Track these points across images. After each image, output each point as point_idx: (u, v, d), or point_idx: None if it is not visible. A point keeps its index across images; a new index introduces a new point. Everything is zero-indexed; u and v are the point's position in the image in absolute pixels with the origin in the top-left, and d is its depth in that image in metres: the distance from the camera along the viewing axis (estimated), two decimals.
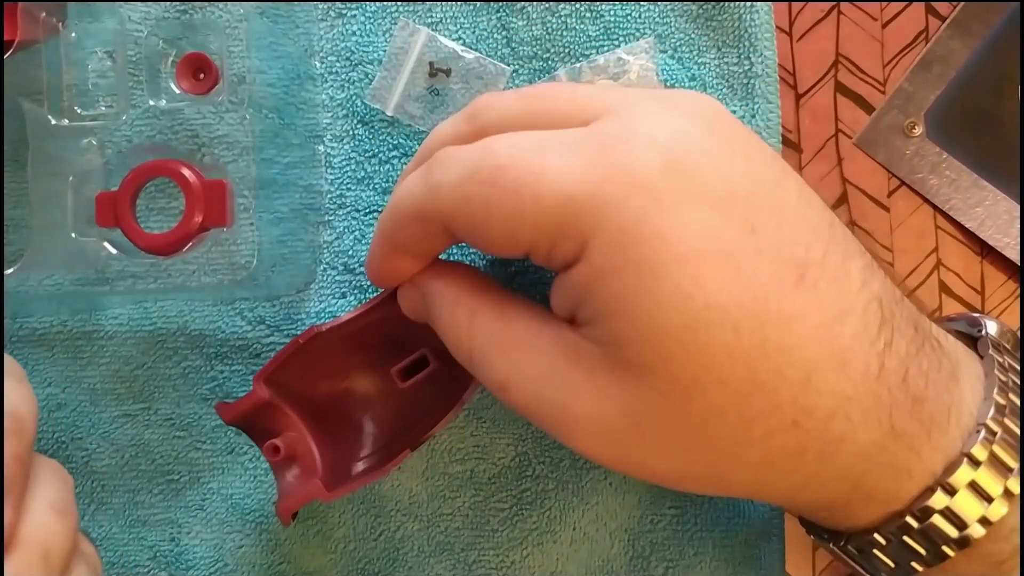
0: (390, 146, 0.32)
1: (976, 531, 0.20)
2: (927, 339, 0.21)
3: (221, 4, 0.30)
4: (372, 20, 0.32)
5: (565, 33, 0.32)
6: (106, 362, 0.32)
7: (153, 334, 0.32)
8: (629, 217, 0.19)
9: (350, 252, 0.32)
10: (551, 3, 0.32)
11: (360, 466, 0.29)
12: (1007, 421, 0.20)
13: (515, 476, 0.32)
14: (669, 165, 0.19)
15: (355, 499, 0.32)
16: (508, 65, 0.32)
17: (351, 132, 0.32)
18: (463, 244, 0.30)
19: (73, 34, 0.29)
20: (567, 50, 0.32)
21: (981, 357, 0.23)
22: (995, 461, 0.20)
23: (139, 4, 0.30)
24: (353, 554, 0.32)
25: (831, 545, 0.23)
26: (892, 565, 0.21)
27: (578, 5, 0.32)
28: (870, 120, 0.33)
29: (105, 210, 0.27)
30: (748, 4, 0.32)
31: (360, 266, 0.32)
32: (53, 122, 0.28)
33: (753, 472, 0.20)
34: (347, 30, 0.32)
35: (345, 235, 0.32)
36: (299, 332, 0.31)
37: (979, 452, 0.20)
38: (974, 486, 0.20)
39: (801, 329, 0.19)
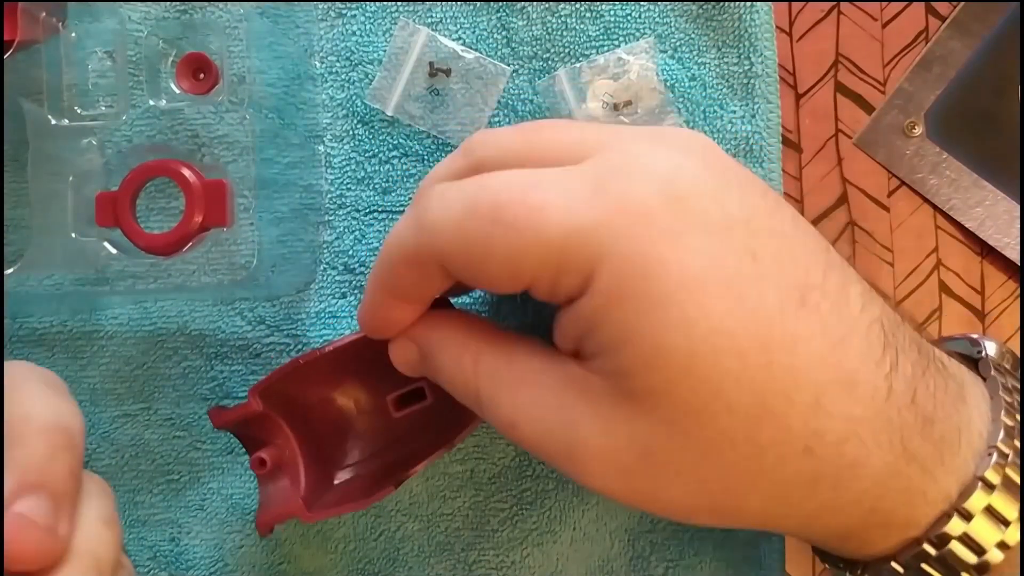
0: (390, 146, 0.32)
1: (994, 556, 0.20)
2: (931, 361, 0.21)
3: (221, 4, 0.30)
4: (372, 20, 0.32)
5: (565, 33, 0.32)
6: (106, 362, 0.32)
7: (153, 334, 0.32)
8: (632, 247, 0.19)
9: (350, 252, 0.32)
10: (551, 3, 0.32)
11: (344, 475, 0.30)
12: (1017, 443, 0.20)
13: (515, 476, 0.32)
14: (668, 196, 0.19)
15: None
16: (508, 65, 0.32)
17: (351, 132, 0.32)
18: None
19: (73, 34, 0.29)
20: (567, 50, 0.32)
21: (984, 379, 0.23)
22: (1009, 484, 0.20)
23: (139, 4, 0.30)
24: (353, 554, 0.32)
25: (847, 575, 0.23)
26: None
27: (578, 5, 0.32)
28: (870, 120, 0.33)
29: (105, 210, 0.27)
30: (748, 4, 0.32)
31: (361, 266, 0.32)
32: (53, 122, 0.28)
33: (767, 501, 0.20)
34: (347, 30, 0.32)
35: (345, 235, 0.32)
36: (299, 332, 0.31)
37: (992, 476, 0.20)
38: (990, 511, 0.20)
39: (807, 352, 0.19)
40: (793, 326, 0.19)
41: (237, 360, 0.32)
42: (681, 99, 0.32)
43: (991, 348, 0.24)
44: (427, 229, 0.21)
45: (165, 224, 0.28)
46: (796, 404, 0.19)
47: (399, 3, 0.32)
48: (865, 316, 0.20)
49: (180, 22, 0.30)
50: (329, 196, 0.32)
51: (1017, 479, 0.20)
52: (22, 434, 0.20)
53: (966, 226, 0.33)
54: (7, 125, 0.28)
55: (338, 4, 0.32)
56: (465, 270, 0.21)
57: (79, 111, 0.28)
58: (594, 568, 0.32)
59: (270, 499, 0.28)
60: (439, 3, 0.32)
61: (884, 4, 0.33)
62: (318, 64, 0.32)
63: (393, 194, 0.32)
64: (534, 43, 0.32)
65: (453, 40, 0.32)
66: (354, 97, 0.32)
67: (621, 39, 0.32)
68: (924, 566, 0.20)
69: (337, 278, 0.32)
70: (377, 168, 0.32)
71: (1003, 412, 0.21)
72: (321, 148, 0.32)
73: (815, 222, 0.33)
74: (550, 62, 0.32)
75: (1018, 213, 0.33)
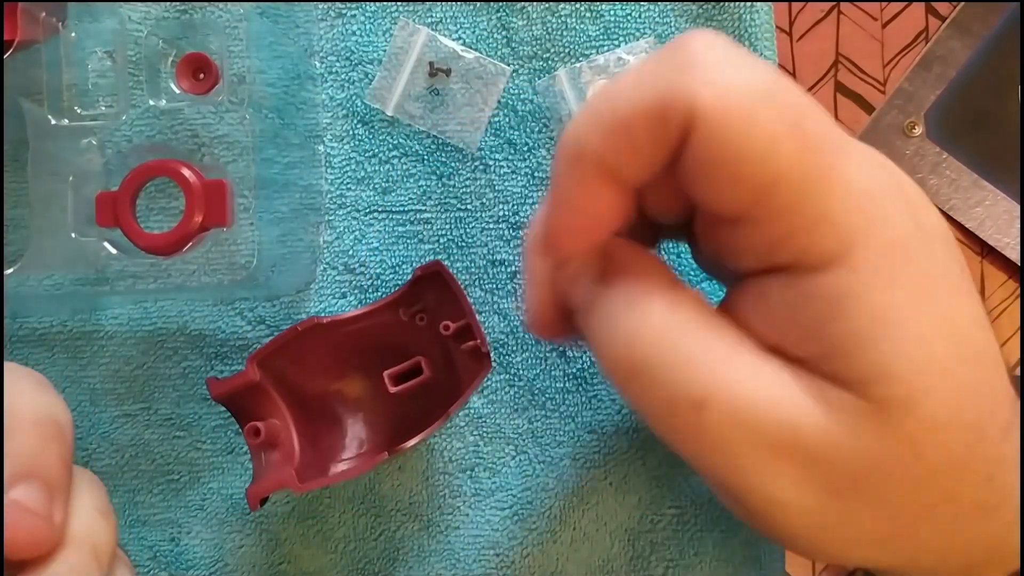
0: (390, 146, 0.32)
1: None
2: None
3: (221, 4, 0.30)
4: (372, 20, 0.32)
5: (565, 33, 0.32)
6: (106, 362, 0.32)
7: (153, 334, 0.32)
8: (897, 236, 0.18)
9: (350, 252, 0.32)
10: (551, 3, 0.32)
11: (339, 467, 0.30)
12: None
13: (515, 476, 0.32)
14: (910, 200, 0.19)
15: (355, 499, 0.32)
16: (508, 65, 0.32)
17: (351, 132, 0.32)
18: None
19: (73, 34, 0.29)
20: (567, 50, 0.32)
21: None
22: None
23: (139, 4, 0.30)
24: (353, 554, 0.32)
25: None
26: None
27: (578, 5, 0.32)
28: (870, 120, 0.33)
29: (105, 210, 0.27)
30: (748, 4, 0.32)
31: (361, 266, 0.32)
32: (53, 122, 0.28)
33: (940, 530, 0.18)
34: (347, 30, 0.32)
35: (345, 235, 0.32)
36: None
37: None
38: None
39: (997, 368, 0.18)
40: (987, 338, 0.18)
41: (237, 360, 0.32)
42: None
43: None
44: (695, 76, 0.17)
45: (165, 224, 0.28)
46: (994, 426, 0.18)
47: (399, 3, 0.32)
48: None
49: (180, 22, 0.30)
50: (329, 196, 0.32)
51: None
52: (12, 426, 0.20)
53: (966, 226, 0.33)
54: (7, 125, 0.28)
55: (338, 4, 0.32)
56: (721, 140, 0.17)
57: (79, 111, 0.28)
58: (594, 568, 0.32)
59: (261, 472, 0.28)
60: (439, 3, 0.32)
61: (884, 4, 0.33)
62: (318, 64, 0.32)
63: (393, 194, 0.32)
64: (534, 43, 0.32)
65: (453, 40, 0.32)
66: (354, 97, 0.32)
67: (621, 39, 0.32)
68: None
69: (337, 278, 0.32)
70: (377, 168, 0.32)
71: None
72: (321, 148, 0.32)
73: None
74: (550, 62, 0.32)
75: (1018, 213, 0.33)
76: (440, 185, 0.32)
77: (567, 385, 0.32)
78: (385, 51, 0.32)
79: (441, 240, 0.32)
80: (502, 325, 0.32)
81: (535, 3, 0.32)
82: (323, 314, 0.32)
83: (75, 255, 0.28)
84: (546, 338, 0.22)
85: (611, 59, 0.31)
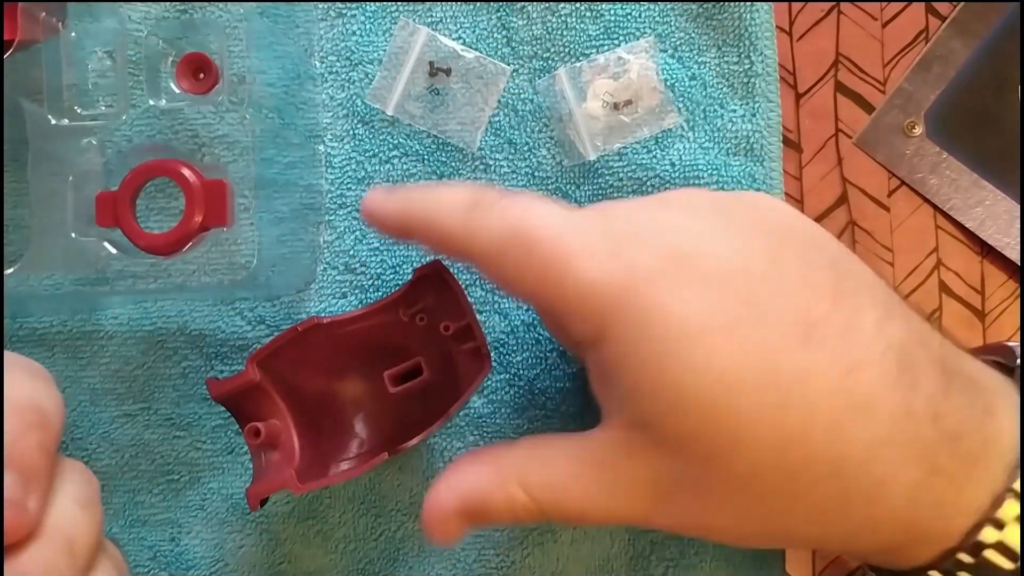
0: (390, 145, 0.32)
1: None
2: (955, 377, 0.22)
3: (221, 4, 0.30)
4: (372, 20, 0.32)
5: (565, 32, 0.32)
6: (106, 362, 0.32)
7: (153, 334, 0.32)
8: (640, 301, 0.20)
9: (351, 252, 0.32)
10: (551, 2, 0.32)
11: (340, 468, 0.29)
12: None
13: None
14: (672, 256, 0.21)
15: (355, 499, 0.32)
16: (508, 64, 0.32)
17: (351, 132, 0.32)
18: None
19: (73, 34, 0.28)
20: (567, 49, 0.32)
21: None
22: None
23: (139, 4, 0.30)
24: (353, 554, 0.32)
25: None
26: None
27: (578, 4, 0.32)
28: (870, 120, 0.33)
29: (105, 210, 0.27)
30: (748, 3, 0.32)
31: (361, 266, 0.32)
32: (53, 122, 0.28)
33: (806, 524, 0.21)
34: (347, 30, 0.32)
35: (346, 235, 0.32)
36: None
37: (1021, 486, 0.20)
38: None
39: (818, 383, 0.20)
40: (800, 361, 0.20)
41: (237, 360, 0.32)
42: (681, 98, 0.32)
43: None
44: (472, 228, 0.22)
45: (165, 224, 0.28)
46: (815, 432, 0.20)
47: (399, 3, 0.32)
48: (880, 341, 0.21)
49: (180, 22, 0.30)
50: (329, 196, 0.32)
51: None
52: None
53: (966, 226, 0.33)
54: (7, 125, 0.28)
55: (338, 4, 0.32)
56: (493, 274, 0.23)
57: (79, 111, 0.28)
58: (594, 568, 0.32)
59: (262, 473, 0.27)
60: (439, 3, 0.32)
61: (884, 4, 0.33)
62: (318, 64, 0.32)
63: None
64: (534, 42, 0.32)
65: (453, 39, 0.32)
66: (354, 97, 0.32)
67: (621, 38, 0.32)
68: (961, 574, 0.21)
69: (337, 278, 0.32)
70: (377, 168, 0.32)
71: None
72: (321, 148, 0.32)
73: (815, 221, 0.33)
74: (550, 61, 0.32)
75: (1018, 213, 0.33)
76: None
77: (567, 385, 0.32)
78: (385, 51, 0.32)
79: None
80: (502, 325, 0.32)
81: (535, 3, 0.32)
82: (323, 314, 0.32)
83: (75, 255, 0.28)
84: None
85: (611, 58, 0.31)
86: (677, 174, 0.32)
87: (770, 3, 0.32)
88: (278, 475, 0.27)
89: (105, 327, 0.32)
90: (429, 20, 0.32)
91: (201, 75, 0.29)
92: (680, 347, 0.20)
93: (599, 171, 0.32)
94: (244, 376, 0.27)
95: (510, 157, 0.32)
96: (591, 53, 0.32)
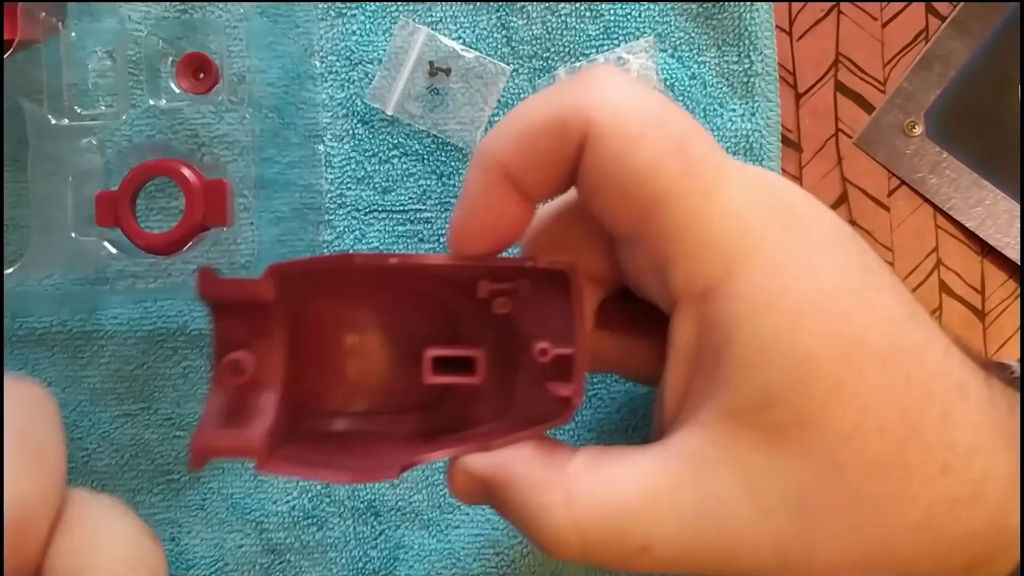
0: (390, 145, 0.32)
1: None
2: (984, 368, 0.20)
3: (221, 4, 0.30)
4: (372, 19, 0.32)
5: (565, 32, 0.32)
6: (106, 362, 0.32)
7: (153, 334, 0.32)
8: (778, 254, 0.18)
9: (350, 251, 0.32)
10: (551, 2, 0.32)
11: (326, 424, 0.23)
12: None
13: None
14: (785, 210, 0.19)
15: (355, 499, 0.32)
16: (508, 64, 0.32)
17: (351, 131, 0.32)
18: None
19: (73, 34, 0.29)
20: (567, 49, 0.32)
21: None
22: None
23: (139, 4, 0.30)
24: (353, 553, 0.32)
25: None
26: None
27: (578, 4, 0.32)
28: (870, 119, 0.33)
29: (105, 209, 0.27)
30: (748, 3, 0.32)
31: None
32: (53, 122, 0.28)
33: (915, 535, 0.18)
34: (347, 29, 0.32)
35: (345, 234, 0.32)
36: None
37: None
38: None
39: (931, 359, 0.18)
40: (916, 334, 0.18)
41: None
42: (681, 98, 0.32)
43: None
44: (589, 95, 0.18)
45: (165, 224, 0.28)
46: (930, 417, 0.18)
47: (399, 2, 0.32)
48: (947, 332, 0.20)
49: (180, 22, 0.30)
50: (329, 195, 0.32)
51: None
52: None
53: (966, 226, 0.33)
54: (7, 125, 0.28)
55: (338, 3, 0.32)
56: (605, 162, 0.18)
57: (79, 111, 0.28)
58: (594, 567, 0.32)
59: (221, 422, 0.20)
60: (439, 2, 0.32)
61: (884, 4, 0.33)
62: (318, 63, 0.32)
63: (393, 193, 0.32)
64: (534, 42, 0.32)
65: (453, 39, 0.32)
66: (354, 96, 0.32)
67: (621, 38, 0.32)
68: None
69: None
70: (377, 167, 0.32)
71: None
72: (321, 147, 0.32)
73: None
74: (550, 61, 0.32)
75: (1018, 212, 0.33)
76: (440, 184, 0.32)
77: (610, 403, 0.32)
78: (385, 50, 0.32)
79: (441, 240, 0.32)
80: None
81: (535, 2, 0.32)
82: None
83: (75, 255, 0.28)
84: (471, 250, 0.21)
85: (611, 58, 0.31)
86: None
87: (770, 3, 0.32)
88: (241, 436, 0.19)
89: (105, 327, 0.32)
90: (429, 20, 0.32)
91: (201, 75, 0.29)
92: (819, 308, 0.17)
93: None
94: (255, 287, 0.19)
95: None
96: (591, 53, 0.32)
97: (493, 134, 0.20)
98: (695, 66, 0.32)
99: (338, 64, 0.32)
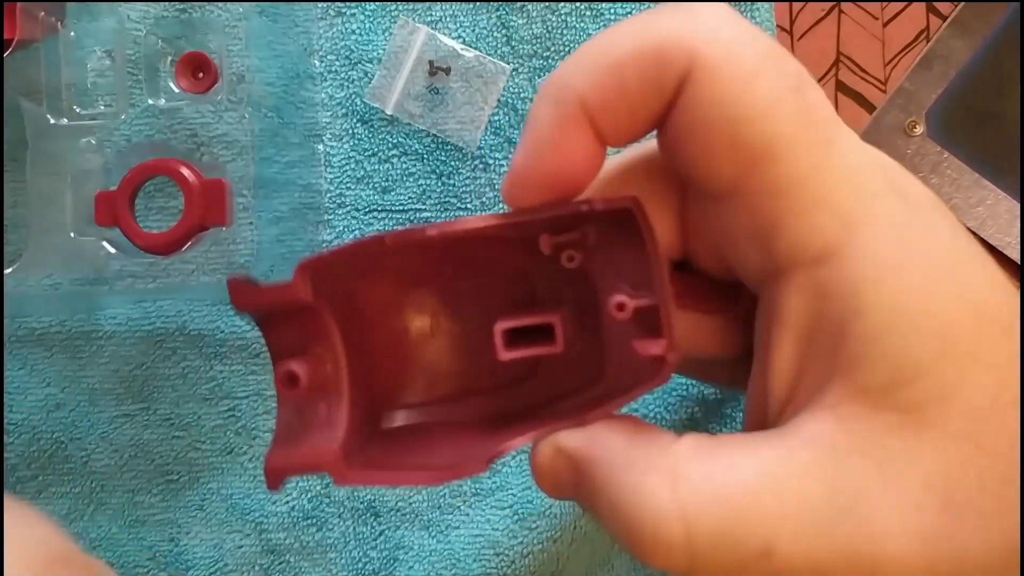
0: (390, 145, 0.32)
1: None
2: None
3: (220, 3, 0.30)
4: (371, 19, 0.32)
5: (565, 31, 0.32)
6: (105, 362, 0.32)
7: (152, 334, 0.32)
8: (897, 214, 0.16)
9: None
10: (551, 1, 0.32)
11: (394, 418, 0.21)
12: None
13: (515, 476, 0.32)
14: (894, 171, 0.17)
15: (355, 499, 0.32)
16: (508, 63, 0.32)
17: (350, 131, 0.32)
18: None
19: (72, 33, 0.28)
20: (567, 48, 0.32)
21: None
22: None
23: (138, 3, 0.30)
24: (353, 554, 0.32)
25: None
26: None
27: (578, 3, 0.32)
28: (871, 119, 0.33)
29: (104, 209, 0.27)
30: (749, 3, 0.32)
31: None
32: (52, 121, 0.28)
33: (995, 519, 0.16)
34: (346, 28, 0.32)
35: (345, 234, 0.32)
36: None
37: None
38: None
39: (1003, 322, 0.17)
40: (1016, 300, 0.17)
41: (236, 360, 0.32)
42: None
43: None
44: (709, 30, 0.16)
45: (164, 223, 0.28)
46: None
47: (399, 2, 0.32)
48: None
49: (179, 21, 0.30)
50: (328, 195, 0.32)
51: None
52: None
53: (967, 225, 0.33)
54: (6, 124, 0.28)
55: (337, 3, 0.32)
56: (710, 98, 0.16)
57: (78, 110, 0.28)
58: (594, 568, 0.32)
59: (291, 436, 0.18)
60: (439, 2, 0.32)
61: (885, 3, 0.33)
62: (317, 63, 0.32)
63: (393, 193, 0.32)
64: (534, 41, 0.32)
65: (453, 38, 0.32)
66: (353, 96, 0.32)
67: None
68: None
69: None
70: (377, 167, 0.32)
71: None
72: (320, 147, 0.32)
73: None
74: (550, 60, 0.32)
75: (1019, 212, 0.32)
76: (440, 184, 0.32)
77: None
78: (384, 50, 0.32)
79: None
80: None
81: (535, 2, 0.32)
82: None
83: (74, 254, 0.28)
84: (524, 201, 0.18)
85: None
86: None
87: (771, 2, 0.32)
88: (315, 450, 0.18)
89: (104, 327, 0.32)
90: (429, 19, 0.32)
91: (200, 74, 0.29)
92: (942, 266, 0.15)
93: None
94: (288, 291, 0.18)
95: (510, 156, 0.32)
96: None
97: (570, 64, 0.17)
98: None
99: (337, 63, 0.32)
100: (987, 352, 0.15)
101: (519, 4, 0.32)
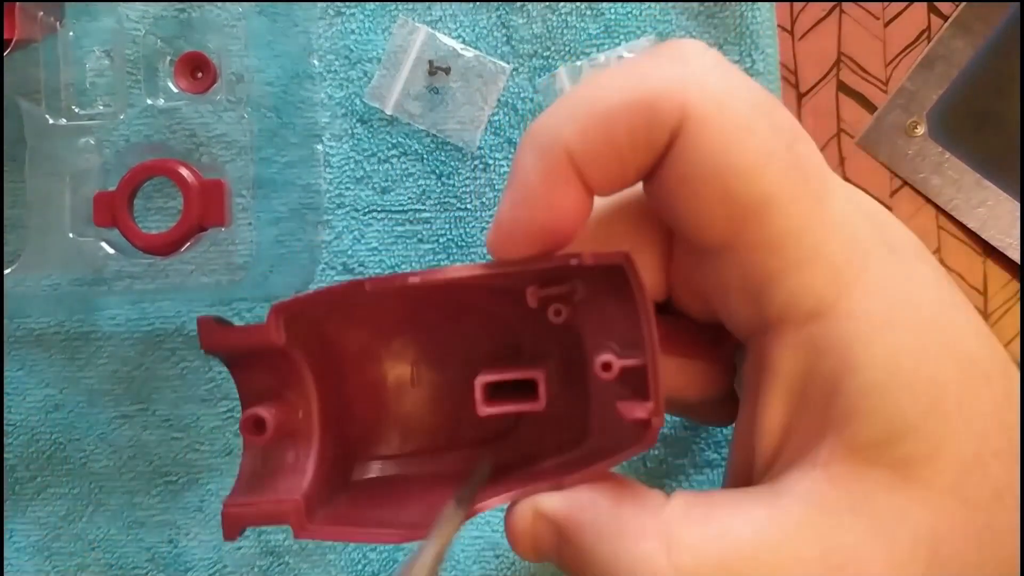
0: (389, 145, 0.32)
1: None
2: None
3: (219, 3, 0.30)
4: (371, 18, 0.32)
5: (566, 31, 0.32)
6: (104, 363, 0.32)
7: (151, 335, 0.32)
8: (888, 268, 0.16)
9: (349, 252, 0.32)
10: (551, 1, 0.32)
11: (372, 470, 0.21)
12: None
13: None
14: (870, 212, 0.18)
15: None
16: (508, 63, 0.32)
17: (350, 131, 0.32)
18: None
19: (71, 33, 0.28)
20: (567, 48, 0.32)
21: None
22: None
23: (137, 3, 0.30)
24: (352, 555, 0.32)
25: None
26: None
27: (578, 3, 0.32)
28: (872, 120, 0.33)
29: (103, 210, 0.27)
30: (749, 2, 0.31)
31: (359, 266, 0.32)
32: (51, 121, 0.28)
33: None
34: (346, 28, 0.32)
35: (344, 234, 0.32)
36: None
37: None
38: None
39: (1013, 372, 0.17)
40: (996, 343, 0.17)
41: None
42: None
43: None
44: (685, 70, 0.16)
45: (163, 224, 0.28)
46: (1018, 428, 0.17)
47: (398, 1, 0.32)
48: None
49: (178, 21, 0.30)
50: (328, 195, 0.32)
51: None
52: None
53: (968, 226, 0.33)
54: (5, 124, 0.28)
55: (337, 2, 0.32)
56: (701, 152, 0.16)
57: (77, 110, 0.28)
58: None
59: (254, 483, 0.18)
60: (439, 1, 0.32)
61: (886, 3, 0.33)
62: (317, 63, 0.32)
63: (392, 193, 0.32)
64: (534, 41, 0.32)
65: (452, 38, 0.32)
66: (353, 96, 0.32)
67: (622, 37, 0.32)
68: None
69: (336, 278, 0.32)
70: (376, 167, 0.32)
71: None
72: (320, 147, 0.32)
73: None
74: (550, 60, 0.32)
75: (1020, 213, 0.32)
76: (440, 184, 0.32)
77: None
78: (384, 49, 0.32)
79: (441, 240, 0.32)
80: None
81: (535, 1, 0.32)
82: None
83: (73, 255, 0.28)
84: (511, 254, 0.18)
85: (612, 57, 0.31)
86: None
87: (772, 2, 0.32)
88: (276, 500, 0.17)
89: (103, 327, 0.32)
90: (428, 19, 0.32)
91: (199, 74, 0.29)
92: (931, 321, 0.16)
93: None
94: (259, 333, 0.18)
95: (510, 156, 0.32)
96: (592, 52, 0.32)
97: (557, 114, 0.16)
98: None
99: (337, 63, 0.32)
100: (970, 403, 0.15)
101: (519, 4, 0.32)
